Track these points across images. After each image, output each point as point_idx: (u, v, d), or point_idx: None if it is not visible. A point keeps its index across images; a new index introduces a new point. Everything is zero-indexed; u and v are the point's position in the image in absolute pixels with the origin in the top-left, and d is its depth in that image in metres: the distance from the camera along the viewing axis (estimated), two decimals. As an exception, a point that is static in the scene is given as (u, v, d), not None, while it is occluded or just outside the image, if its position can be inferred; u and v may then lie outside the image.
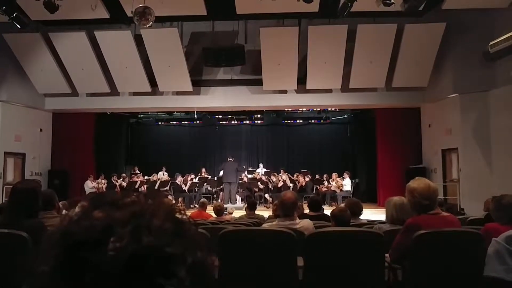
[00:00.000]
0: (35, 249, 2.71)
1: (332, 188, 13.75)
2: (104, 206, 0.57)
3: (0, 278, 2.78)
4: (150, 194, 0.63)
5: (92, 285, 0.51)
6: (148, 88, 12.37)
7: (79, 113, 13.78)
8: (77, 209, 0.59)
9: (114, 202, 0.58)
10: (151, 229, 0.55)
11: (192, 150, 18.12)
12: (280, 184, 13.47)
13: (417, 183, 3.14)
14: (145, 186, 13.84)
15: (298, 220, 3.78)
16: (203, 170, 15.26)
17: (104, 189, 13.34)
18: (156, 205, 0.60)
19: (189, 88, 12.30)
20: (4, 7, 8.75)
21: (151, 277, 0.52)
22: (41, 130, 13.37)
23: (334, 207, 9.98)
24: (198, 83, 12.66)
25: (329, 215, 5.10)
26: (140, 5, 8.26)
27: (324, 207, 8.48)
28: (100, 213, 0.56)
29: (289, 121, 17.83)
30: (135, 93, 12.89)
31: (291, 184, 13.57)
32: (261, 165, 16.28)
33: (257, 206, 9.97)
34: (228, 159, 14.06)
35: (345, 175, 13.93)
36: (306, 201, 9.59)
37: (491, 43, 9.80)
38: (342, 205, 5.45)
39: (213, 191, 14.77)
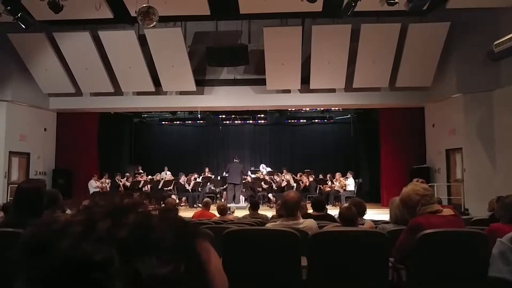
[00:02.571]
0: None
1: (336, 188, 13.72)
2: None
3: (5, 277, 2.79)
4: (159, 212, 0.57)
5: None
6: (151, 88, 12.40)
7: (83, 113, 13.83)
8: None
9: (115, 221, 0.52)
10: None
11: (196, 149, 18.14)
12: (284, 183, 13.46)
13: (411, 186, 3.17)
14: (149, 186, 13.88)
15: (301, 220, 3.77)
16: (207, 169, 15.27)
17: (108, 189, 13.39)
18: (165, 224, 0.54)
19: (193, 87, 12.32)
20: (9, 7, 8.79)
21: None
22: (45, 129, 13.43)
23: (338, 207, 9.99)
24: (202, 82, 12.68)
25: (333, 215, 5.12)
26: (144, 5, 8.28)
27: (328, 207, 8.47)
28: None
29: (292, 121, 17.81)
30: (139, 93, 12.92)
31: (294, 184, 13.55)
32: (264, 165, 16.26)
33: (260, 205, 9.97)
34: (234, 160, 14.05)
35: (349, 175, 13.90)
36: (309, 201, 9.59)
37: (495, 42, 9.77)
38: (346, 205, 5.45)
39: (217, 190, 14.77)
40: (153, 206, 0.57)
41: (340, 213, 4.00)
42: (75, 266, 0.46)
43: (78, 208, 0.54)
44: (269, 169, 15.81)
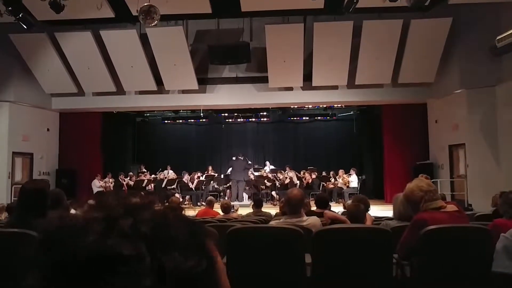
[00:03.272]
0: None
1: (339, 185, 13.71)
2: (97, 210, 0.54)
3: (10, 276, 2.81)
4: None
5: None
6: (154, 87, 12.40)
7: (85, 113, 13.85)
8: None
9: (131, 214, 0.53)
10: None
11: (199, 148, 18.17)
12: (287, 181, 13.46)
13: (416, 181, 3.16)
14: (152, 185, 13.90)
15: (305, 217, 3.78)
16: (210, 168, 15.27)
17: (112, 188, 13.41)
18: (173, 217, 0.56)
19: (195, 86, 12.32)
20: (10, 8, 8.80)
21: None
22: (48, 129, 13.46)
23: (342, 204, 9.99)
24: (204, 81, 12.68)
25: (337, 212, 5.12)
26: (145, 4, 8.28)
27: (331, 204, 8.48)
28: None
29: (295, 118, 17.80)
30: (141, 92, 12.93)
31: (297, 181, 13.55)
32: (267, 163, 16.27)
33: (264, 203, 9.98)
34: (238, 157, 14.05)
35: (352, 171, 13.90)
36: (313, 198, 9.59)
37: (498, 37, 9.72)
38: (350, 201, 5.45)
39: (220, 189, 14.79)
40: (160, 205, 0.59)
41: (347, 211, 4.01)
42: (100, 261, 0.48)
43: (88, 207, 0.55)
44: (272, 167, 15.81)
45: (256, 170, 15.49)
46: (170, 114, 17.39)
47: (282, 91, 12.65)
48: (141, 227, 0.51)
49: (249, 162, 14.62)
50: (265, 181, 13.93)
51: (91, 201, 0.58)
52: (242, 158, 14.03)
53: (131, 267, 0.48)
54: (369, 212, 5.12)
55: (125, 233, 0.50)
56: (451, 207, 3.13)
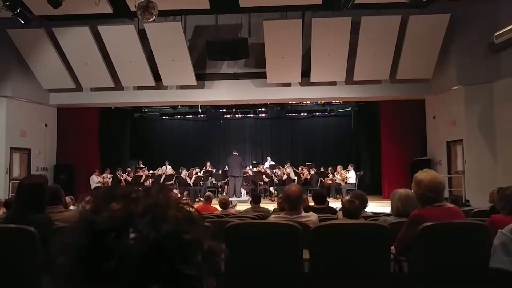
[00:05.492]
0: (42, 243, 2.74)
1: (337, 181, 13.74)
2: (119, 199, 0.60)
3: (9, 272, 2.81)
4: (159, 188, 0.65)
5: (114, 272, 0.53)
6: (152, 82, 12.38)
7: (83, 108, 13.82)
8: (89, 203, 0.61)
9: (127, 196, 0.61)
10: (168, 219, 0.58)
11: (197, 143, 18.17)
12: (285, 177, 13.48)
13: (424, 175, 3.14)
14: (151, 180, 13.89)
15: (304, 214, 3.78)
16: (208, 163, 15.28)
17: (110, 184, 13.39)
18: (167, 198, 0.63)
19: (193, 82, 12.30)
20: (8, 3, 8.76)
21: (170, 263, 0.55)
22: (46, 125, 13.43)
23: (340, 200, 10.00)
24: (202, 76, 12.65)
25: (335, 207, 5.13)
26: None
27: (329, 199, 8.50)
28: (118, 205, 0.59)
29: (293, 114, 17.79)
30: (139, 88, 12.89)
31: (295, 177, 13.57)
32: (268, 158, 16.26)
33: (262, 199, 9.99)
34: (233, 153, 14.07)
35: (350, 167, 13.91)
36: (310, 194, 9.60)
37: (495, 34, 9.74)
38: (348, 197, 5.46)
39: (218, 184, 14.79)
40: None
41: (343, 207, 4.01)
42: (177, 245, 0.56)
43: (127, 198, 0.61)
44: (272, 162, 15.81)
45: (255, 165, 15.51)
46: (168, 109, 17.37)
47: (280, 87, 12.63)
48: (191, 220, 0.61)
49: (244, 161, 14.62)
50: (263, 176, 13.94)
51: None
52: (237, 154, 14.03)
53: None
54: (366, 208, 5.14)
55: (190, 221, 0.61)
56: (450, 204, 3.15)
